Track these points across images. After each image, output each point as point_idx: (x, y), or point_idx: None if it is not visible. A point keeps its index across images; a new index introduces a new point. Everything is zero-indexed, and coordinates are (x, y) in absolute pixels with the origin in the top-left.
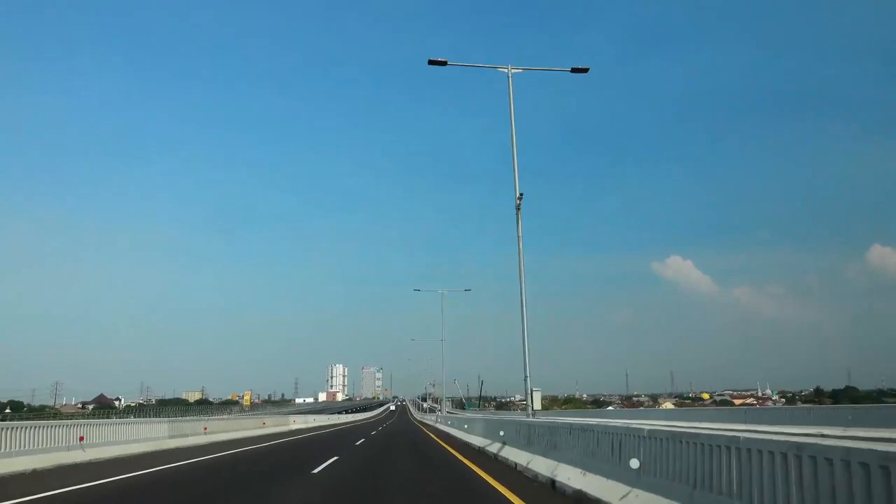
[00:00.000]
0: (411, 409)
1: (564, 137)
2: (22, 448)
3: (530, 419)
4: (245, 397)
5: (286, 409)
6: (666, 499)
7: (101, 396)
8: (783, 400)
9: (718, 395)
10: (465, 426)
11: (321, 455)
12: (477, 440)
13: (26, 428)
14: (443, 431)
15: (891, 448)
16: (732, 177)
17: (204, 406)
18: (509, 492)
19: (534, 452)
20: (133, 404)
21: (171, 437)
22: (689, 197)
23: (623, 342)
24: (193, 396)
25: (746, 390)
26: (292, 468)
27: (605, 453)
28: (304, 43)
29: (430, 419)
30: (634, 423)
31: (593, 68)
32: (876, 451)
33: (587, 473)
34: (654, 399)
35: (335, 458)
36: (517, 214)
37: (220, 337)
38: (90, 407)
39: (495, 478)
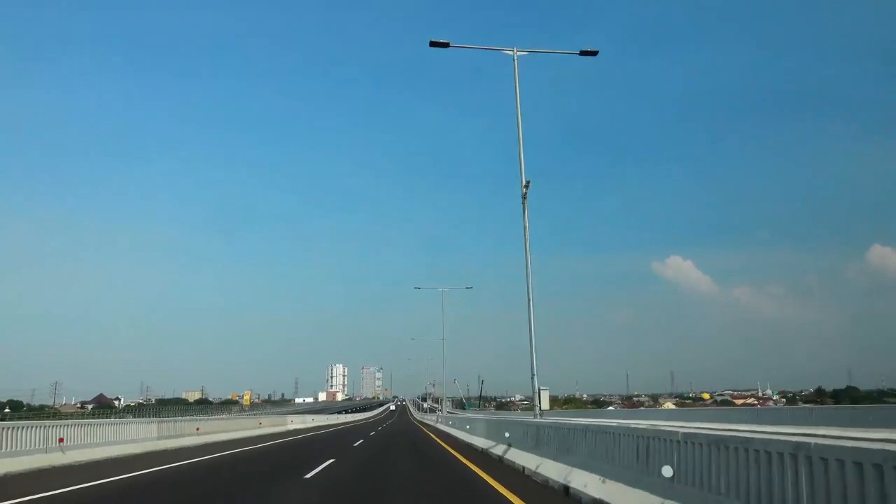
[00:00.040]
0: (411, 409)
1: (564, 137)
2: None
3: (538, 420)
4: (245, 397)
5: (285, 409)
6: None
7: (101, 396)
8: (784, 400)
9: (719, 395)
10: (467, 427)
11: (316, 457)
12: (480, 441)
13: (1, 429)
14: (443, 432)
15: None
16: (732, 177)
17: (204, 406)
18: (518, 499)
19: (543, 455)
20: (133, 404)
21: (161, 438)
22: (689, 197)
23: (623, 342)
24: (193, 396)
25: (746, 390)
26: (284, 472)
27: (629, 458)
28: (304, 43)
29: (430, 419)
30: (662, 424)
31: (593, 68)
32: None
33: (607, 481)
34: (655, 399)
35: (331, 461)
36: (523, 203)
37: (220, 337)
38: (89, 407)
39: (502, 482)
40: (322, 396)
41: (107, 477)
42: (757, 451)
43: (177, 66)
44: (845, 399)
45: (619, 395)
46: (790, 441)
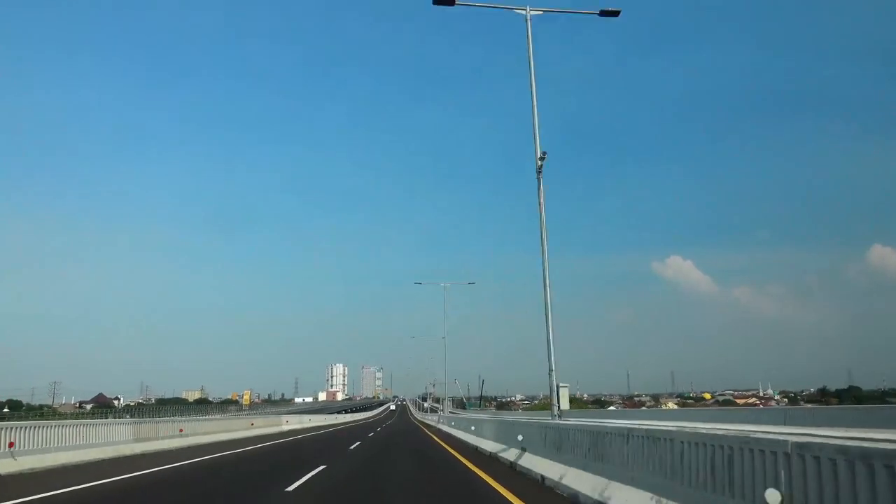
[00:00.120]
0: (411, 409)
1: (564, 137)
2: None
3: (559, 421)
4: (245, 397)
5: (284, 409)
6: None
7: (101, 396)
8: (786, 400)
9: (720, 395)
10: (472, 428)
11: (306, 463)
12: (488, 445)
13: None
14: (446, 433)
15: None
16: (732, 177)
17: (203, 405)
18: None
19: (567, 463)
20: (132, 404)
21: (137, 440)
22: (689, 197)
23: (623, 342)
24: (193, 396)
25: (747, 390)
26: (264, 482)
27: (701, 475)
28: (304, 43)
29: (431, 419)
30: (694, 426)
31: (594, 68)
32: None
33: (665, 502)
34: (656, 399)
35: (322, 467)
36: (538, 177)
37: (220, 337)
38: (88, 406)
39: (519, 496)
40: (322, 396)
41: (52, 489)
42: None
43: (177, 65)
44: (848, 399)
45: (620, 395)
46: None
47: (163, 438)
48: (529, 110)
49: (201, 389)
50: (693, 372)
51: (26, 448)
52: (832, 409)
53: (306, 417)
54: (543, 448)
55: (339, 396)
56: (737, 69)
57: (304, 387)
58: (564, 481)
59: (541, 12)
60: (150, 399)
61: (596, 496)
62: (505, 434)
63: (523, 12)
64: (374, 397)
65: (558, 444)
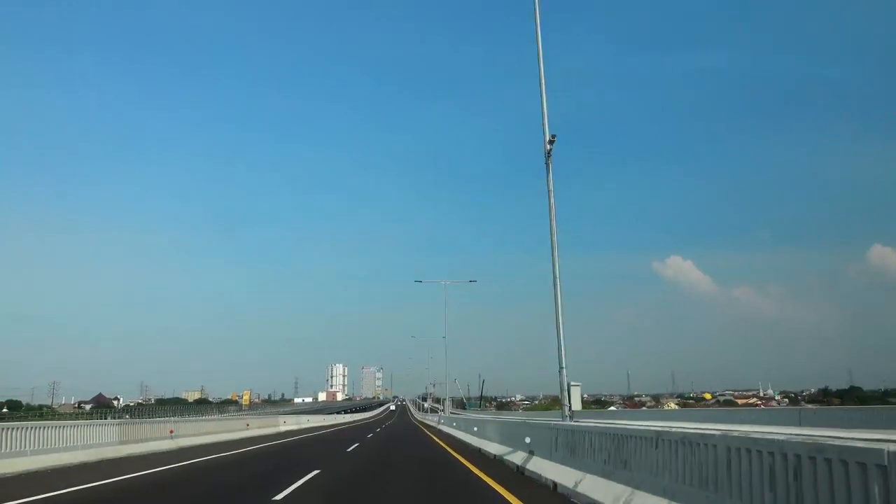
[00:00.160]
0: (412, 409)
1: (564, 137)
2: None
3: (572, 423)
4: (245, 397)
5: (283, 409)
6: None
7: (100, 396)
8: (786, 400)
9: (720, 395)
10: (475, 429)
11: (299, 467)
12: (492, 447)
13: None
14: (447, 434)
15: None
16: (732, 177)
17: (203, 406)
18: None
19: (583, 469)
20: (132, 404)
21: (123, 442)
22: (689, 197)
23: (623, 342)
24: (193, 396)
25: (747, 390)
26: (250, 490)
27: (756, 489)
28: (305, 42)
29: (431, 420)
30: (704, 428)
31: (594, 68)
32: None
33: None
34: (657, 399)
35: (315, 472)
36: (547, 163)
37: (220, 337)
38: (88, 406)
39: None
40: (322, 396)
41: (12, 499)
42: None
43: (177, 65)
44: (850, 399)
45: (621, 396)
46: None
47: (151, 440)
48: (531, 110)
49: (201, 389)
50: (693, 372)
51: None
52: (848, 409)
53: (304, 418)
54: (555, 452)
55: (339, 397)
56: (737, 69)
57: (303, 387)
58: (580, 489)
59: None
60: (149, 399)
61: None
62: (511, 436)
63: None
64: (374, 397)
65: (572, 448)
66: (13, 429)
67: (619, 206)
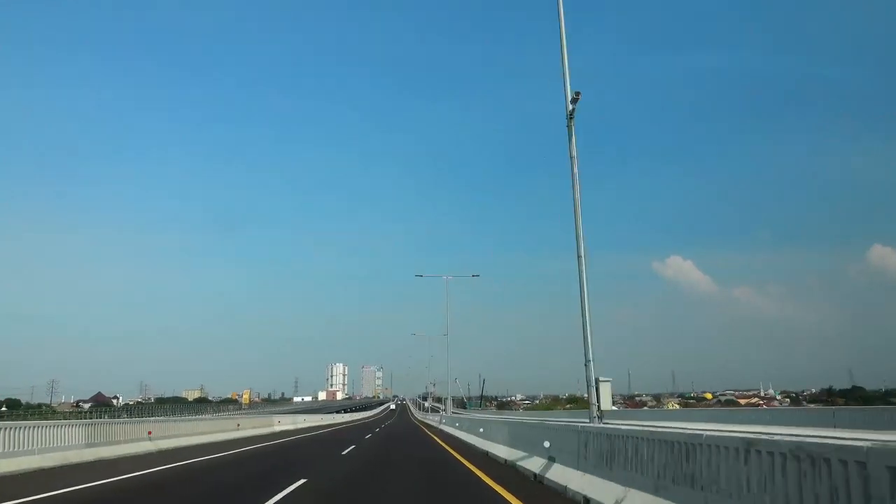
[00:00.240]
0: (412, 409)
1: (563, 137)
2: None
3: (607, 425)
4: (244, 396)
5: (283, 408)
6: None
7: (99, 395)
8: (788, 400)
9: (720, 394)
10: (481, 430)
11: (284, 475)
12: (500, 451)
13: None
14: (449, 435)
15: None
16: (732, 177)
17: (202, 405)
18: None
19: (626, 483)
20: (131, 403)
21: (90, 445)
22: (689, 197)
23: (624, 342)
24: (193, 395)
25: (748, 390)
26: None
27: None
28: (305, 42)
29: (432, 420)
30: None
31: (594, 68)
32: None
33: None
34: (658, 399)
35: (301, 481)
36: (569, 125)
37: (220, 336)
38: (87, 405)
39: None
40: (322, 396)
41: None
42: None
43: (177, 65)
44: (854, 399)
45: (621, 395)
46: None
47: (125, 442)
48: (532, 110)
49: (201, 388)
50: (693, 372)
51: None
52: (881, 410)
53: (300, 417)
54: (583, 460)
55: (339, 396)
56: (737, 68)
57: (303, 386)
58: None
59: None
60: (149, 398)
61: None
62: (524, 439)
63: None
64: (374, 397)
65: (609, 457)
66: None
67: (619, 206)
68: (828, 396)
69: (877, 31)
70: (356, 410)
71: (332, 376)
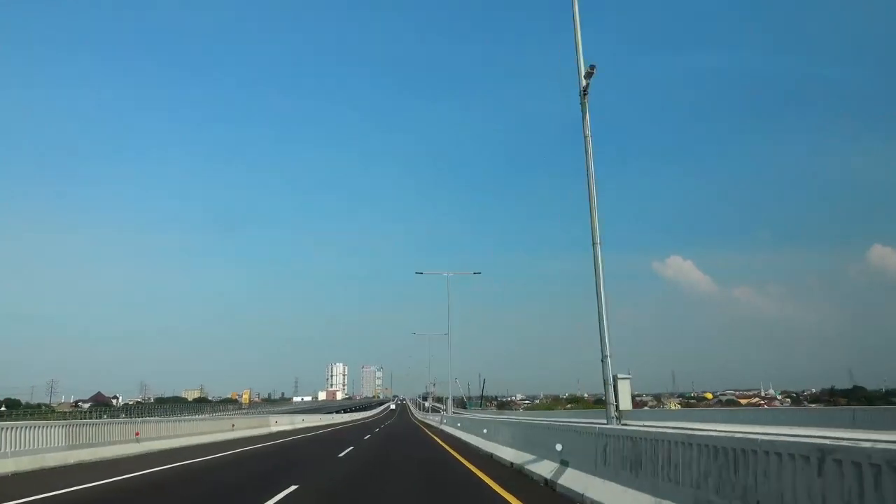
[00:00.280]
0: (412, 409)
1: (565, 137)
2: None
3: (628, 427)
4: (244, 396)
5: (282, 408)
6: None
7: (99, 394)
8: (788, 400)
9: (721, 394)
10: (485, 431)
11: (273, 480)
12: (506, 453)
13: None
14: (451, 435)
15: None
16: (732, 177)
17: (202, 404)
18: None
19: (657, 495)
20: (131, 402)
21: (72, 447)
22: (689, 197)
23: (624, 342)
24: (192, 395)
25: (748, 390)
26: None
27: None
28: (305, 42)
29: (433, 420)
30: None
31: (596, 68)
32: None
33: None
34: (658, 399)
35: (293, 487)
36: (583, 102)
37: (220, 336)
38: (86, 405)
39: None
40: (322, 396)
41: None
42: None
43: (177, 65)
44: (856, 399)
45: None
46: None
47: (110, 444)
48: (532, 110)
49: (201, 388)
50: (693, 372)
51: None
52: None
53: (299, 417)
54: (602, 466)
55: (339, 396)
56: (737, 68)
57: (303, 386)
58: None
59: None
60: (149, 398)
61: None
62: (533, 441)
63: None
64: (374, 397)
65: (634, 462)
66: None
67: (619, 206)
68: (830, 396)
69: (877, 31)
70: (356, 410)
71: (332, 376)
